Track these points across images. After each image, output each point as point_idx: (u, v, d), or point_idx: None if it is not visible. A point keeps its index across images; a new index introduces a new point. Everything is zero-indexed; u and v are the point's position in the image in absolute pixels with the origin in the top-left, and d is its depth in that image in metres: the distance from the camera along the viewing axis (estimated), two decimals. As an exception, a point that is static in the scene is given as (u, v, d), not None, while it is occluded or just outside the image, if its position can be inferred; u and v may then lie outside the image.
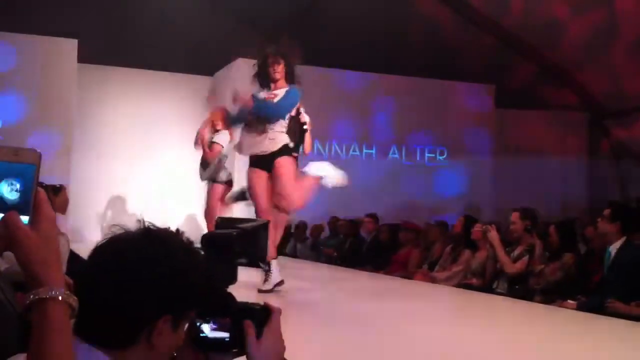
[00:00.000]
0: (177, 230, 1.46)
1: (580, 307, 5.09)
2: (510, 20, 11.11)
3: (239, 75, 10.86)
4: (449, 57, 11.82)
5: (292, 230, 10.71)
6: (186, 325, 1.41)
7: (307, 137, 5.80)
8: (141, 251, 1.35)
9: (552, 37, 11.02)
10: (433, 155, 11.74)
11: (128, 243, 1.37)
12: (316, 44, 12.76)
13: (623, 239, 5.25)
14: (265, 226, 1.67)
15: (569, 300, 5.30)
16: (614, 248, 5.25)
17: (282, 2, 11.93)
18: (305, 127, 5.71)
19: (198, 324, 1.45)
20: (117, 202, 11.07)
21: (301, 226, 10.58)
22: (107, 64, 11.03)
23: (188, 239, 1.45)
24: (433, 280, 7.01)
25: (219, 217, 1.72)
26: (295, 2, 11.98)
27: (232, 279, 1.56)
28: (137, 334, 1.31)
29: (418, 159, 11.66)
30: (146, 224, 1.41)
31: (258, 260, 1.67)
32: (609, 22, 9.92)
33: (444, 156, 11.76)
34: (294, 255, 10.09)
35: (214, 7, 12.52)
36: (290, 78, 5.37)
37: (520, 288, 6.03)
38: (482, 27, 11.38)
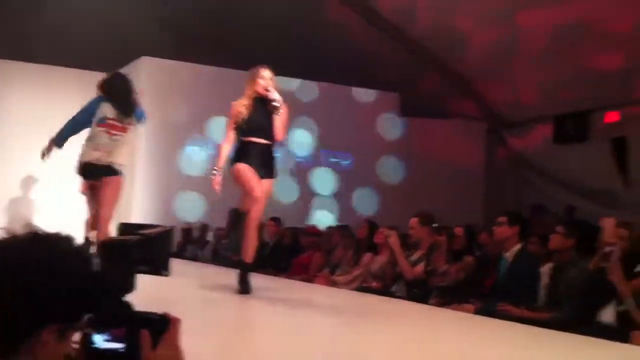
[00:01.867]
0: (67, 235, 1.40)
1: (478, 311, 5.27)
2: (417, 30, 11.38)
3: (144, 73, 10.67)
4: (358, 64, 11.97)
5: (193, 234, 10.57)
6: (78, 335, 1.36)
7: (276, 120, 5.19)
8: (25, 256, 1.28)
9: (457, 48, 11.36)
10: (338, 160, 11.86)
11: (12, 247, 1.29)
12: (228, 46, 12.68)
13: (518, 245, 5.48)
14: (169, 233, 1.62)
15: (464, 305, 5.47)
16: (510, 254, 5.46)
17: (193, 2, 11.76)
18: (275, 105, 5.14)
19: (90, 334, 1.38)
20: (14, 203, 10.60)
21: (202, 229, 10.46)
22: (6, 58, 10.54)
23: (79, 244, 1.39)
24: (334, 284, 7.08)
25: (121, 223, 1.66)
26: (207, 3, 11.83)
27: (130, 287, 1.50)
28: (20, 343, 1.25)
29: (324, 164, 11.75)
30: (34, 227, 1.35)
31: (160, 267, 1.61)
32: (510, 36, 10.31)
33: (349, 162, 11.90)
34: (195, 259, 9.96)
35: (119, 3, 12.20)
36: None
37: (418, 291, 6.19)
38: (391, 36, 11.60)
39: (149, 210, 10.21)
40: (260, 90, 5.21)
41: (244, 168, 5.11)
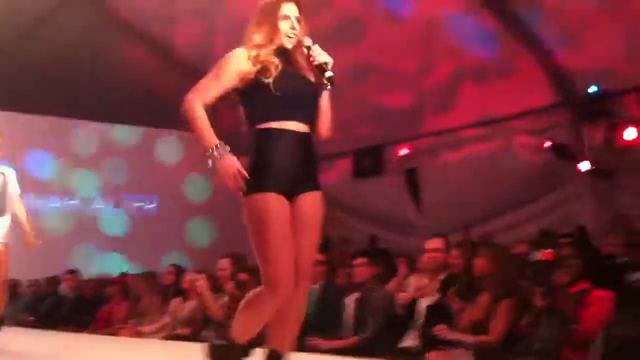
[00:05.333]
0: None
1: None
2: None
3: None
4: (155, 104, 11.66)
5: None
6: None
7: (325, 102, 2.97)
8: None
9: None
10: (142, 204, 11.44)
11: None
12: (12, 86, 11.83)
13: (323, 279, 5.56)
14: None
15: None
16: (317, 287, 5.53)
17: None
18: (327, 75, 2.87)
19: None
20: None
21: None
22: None
23: None
24: (140, 335, 6.72)
25: None
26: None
27: None
28: None
29: (126, 208, 11.28)
30: None
31: None
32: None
33: (154, 204, 11.52)
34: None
35: None
36: None
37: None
38: (186, 74, 11.48)
39: None
40: (284, 40, 2.89)
41: (273, 207, 2.77)
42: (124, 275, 8.86)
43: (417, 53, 9.32)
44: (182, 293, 6.87)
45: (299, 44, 2.90)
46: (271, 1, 2.93)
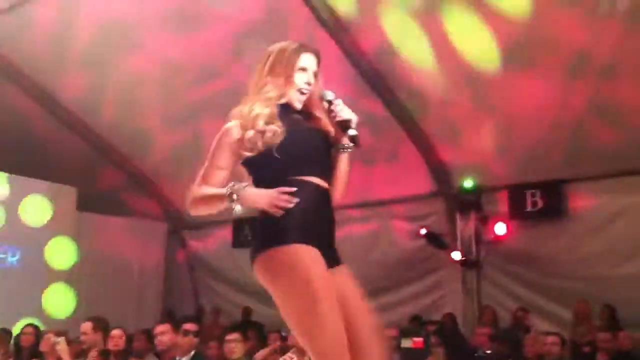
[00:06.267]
0: None
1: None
2: (101, 124, 11.09)
3: None
4: (34, 153, 11.20)
5: None
6: None
7: (345, 163, 2.69)
8: None
9: (141, 147, 11.27)
10: (4, 256, 10.77)
11: None
12: None
13: (193, 351, 5.44)
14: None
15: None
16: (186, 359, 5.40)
17: None
18: (351, 133, 2.59)
19: None
20: None
21: None
22: None
23: None
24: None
25: None
26: None
27: None
28: None
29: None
30: None
31: None
32: (193, 140, 10.52)
33: (17, 257, 10.87)
34: None
35: None
36: None
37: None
38: (72, 127, 11.13)
39: None
40: (293, 96, 2.65)
41: (307, 256, 2.43)
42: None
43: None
44: (39, 355, 6.48)
45: (316, 96, 2.64)
46: (289, 49, 2.62)
